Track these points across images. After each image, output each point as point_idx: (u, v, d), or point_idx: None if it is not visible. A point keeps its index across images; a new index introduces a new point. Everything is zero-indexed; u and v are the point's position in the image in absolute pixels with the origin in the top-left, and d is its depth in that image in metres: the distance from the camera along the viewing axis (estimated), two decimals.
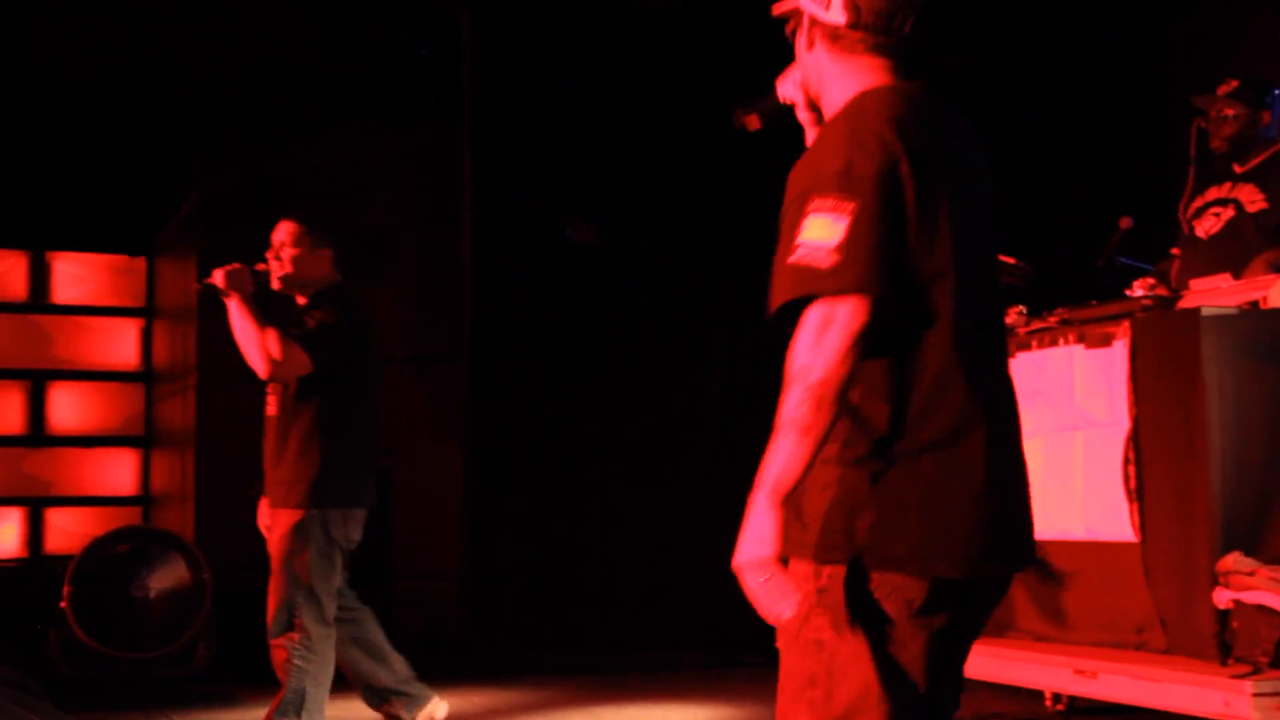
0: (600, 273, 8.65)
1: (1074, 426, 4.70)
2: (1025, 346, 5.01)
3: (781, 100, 2.69)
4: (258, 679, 7.48)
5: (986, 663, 4.79)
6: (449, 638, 8.33)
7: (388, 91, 9.15)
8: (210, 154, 10.31)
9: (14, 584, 8.72)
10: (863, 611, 2.21)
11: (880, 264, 2.13)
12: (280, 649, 4.85)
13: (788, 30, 2.54)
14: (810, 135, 2.62)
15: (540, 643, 8.21)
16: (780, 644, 2.34)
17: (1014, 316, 5.21)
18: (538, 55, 8.62)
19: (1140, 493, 4.42)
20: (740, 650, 7.82)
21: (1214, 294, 4.56)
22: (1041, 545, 4.88)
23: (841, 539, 2.21)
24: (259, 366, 4.76)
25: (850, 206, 2.18)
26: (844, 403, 2.16)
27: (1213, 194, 5.23)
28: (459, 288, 8.55)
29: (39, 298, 11.63)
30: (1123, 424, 4.48)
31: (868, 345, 2.14)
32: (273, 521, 4.94)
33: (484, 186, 8.57)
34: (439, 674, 7.54)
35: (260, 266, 4.89)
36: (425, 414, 8.47)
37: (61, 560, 8.83)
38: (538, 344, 8.52)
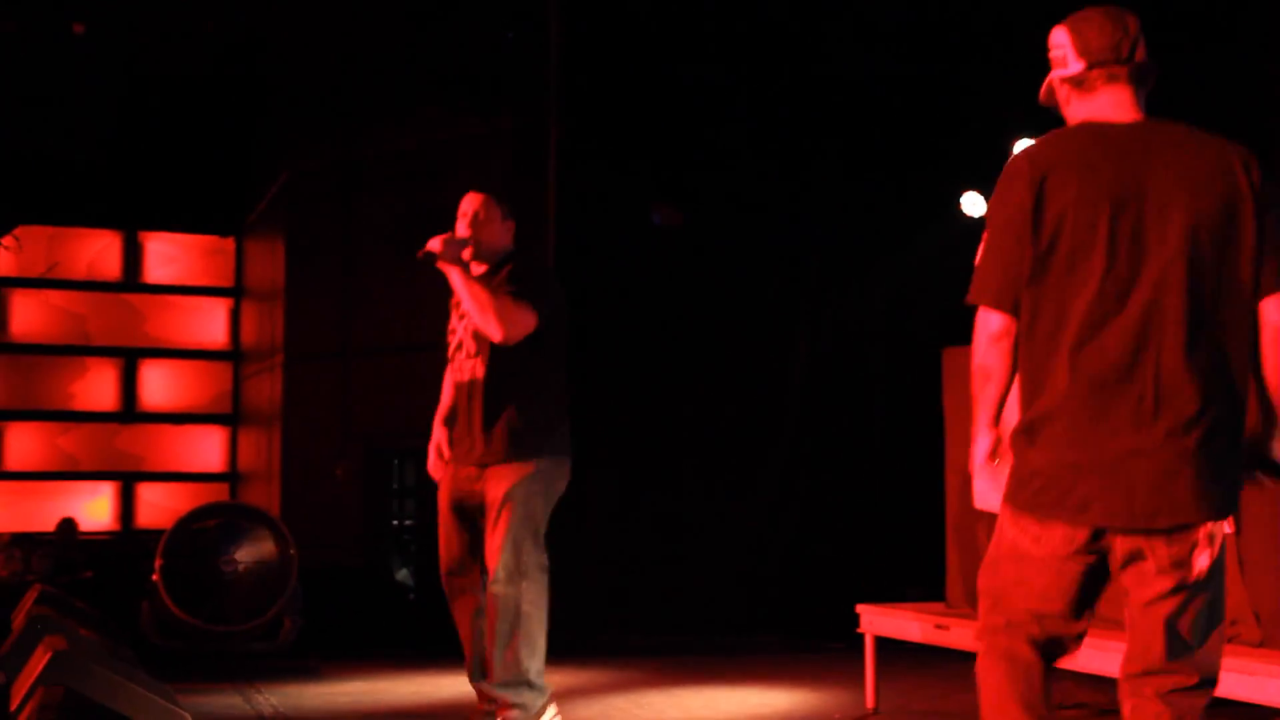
0: (685, 258, 8.64)
1: None
2: None
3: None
4: (341, 653, 7.62)
5: None
6: None
7: (474, 75, 9.21)
8: (298, 136, 10.44)
9: (107, 557, 8.92)
10: None
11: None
12: (504, 595, 4.63)
13: (1043, 99, 3.03)
14: None
15: (619, 624, 8.25)
16: None
17: None
18: (624, 40, 8.63)
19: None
20: (820, 636, 7.80)
21: None
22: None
23: None
24: (494, 330, 4.61)
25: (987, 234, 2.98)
26: None
27: None
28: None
29: (132, 277, 11.87)
30: None
31: None
32: (488, 479, 4.70)
33: (568, 170, 8.60)
34: None
35: (455, 236, 4.76)
36: None
37: (152, 534, 9.02)
38: (620, 328, 8.53)
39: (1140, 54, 2.88)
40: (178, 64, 10.74)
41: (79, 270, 11.75)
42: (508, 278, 4.74)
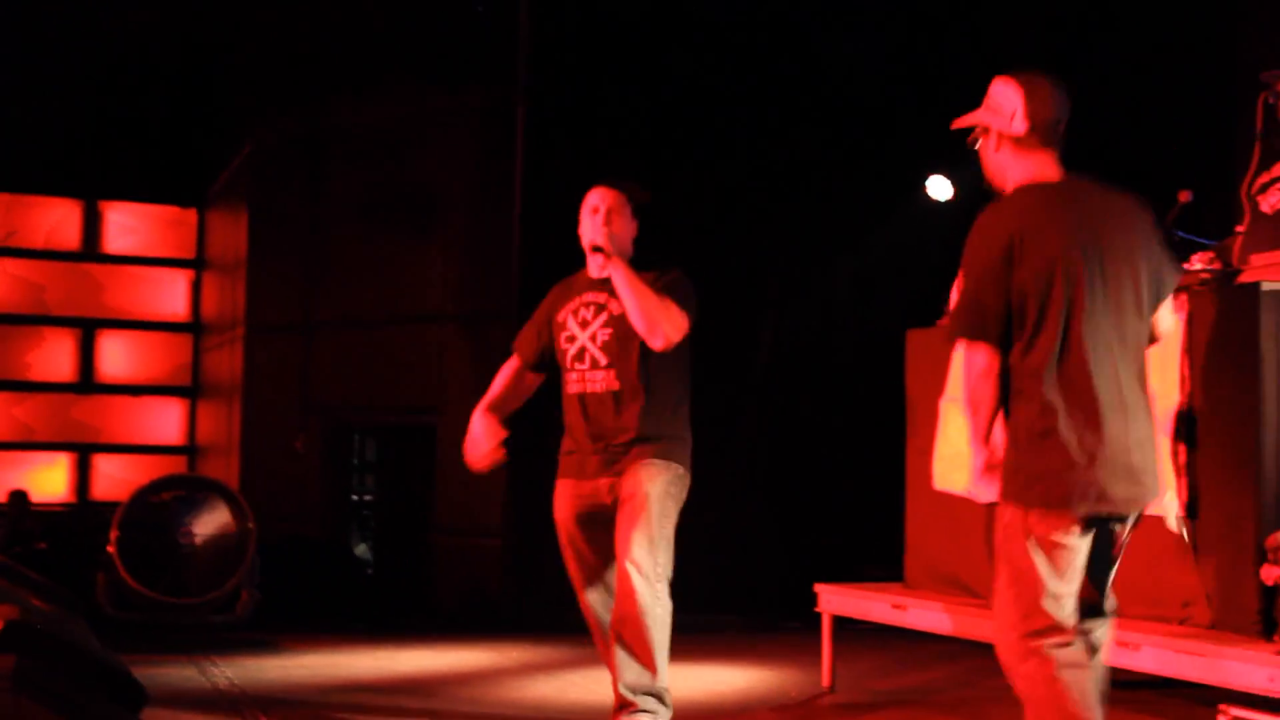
0: (650, 235, 8.62)
1: None
2: None
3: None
4: (299, 627, 7.60)
5: None
6: (489, 594, 8.39)
7: (442, 48, 9.14)
8: (262, 107, 10.34)
9: (62, 528, 8.85)
10: None
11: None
12: (643, 593, 4.32)
13: (969, 140, 3.65)
14: None
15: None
16: None
17: None
18: (595, 16, 8.59)
19: (1190, 468, 4.38)
20: (779, 616, 7.84)
21: (1275, 269, 4.50)
22: None
23: None
24: (660, 333, 4.39)
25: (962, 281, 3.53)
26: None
27: (1279, 169, 5.15)
28: (508, 246, 8.56)
29: (91, 247, 11.75)
30: (1174, 398, 4.44)
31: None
32: (625, 477, 4.47)
33: (536, 144, 8.56)
34: (478, 629, 7.63)
35: (600, 243, 4.55)
36: (472, 371, 8.49)
37: (108, 506, 8.94)
38: None
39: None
40: (141, 31, 10.62)
41: (37, 239, 11.61)
42: (657, 281, 4.50)
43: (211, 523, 7.76)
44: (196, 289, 12.01)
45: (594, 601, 4.66)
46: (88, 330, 11.67)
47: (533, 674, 6.21)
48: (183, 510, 7.75)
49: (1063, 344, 3.36)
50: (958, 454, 5.53)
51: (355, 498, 10.01)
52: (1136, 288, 3.43)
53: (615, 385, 4.53)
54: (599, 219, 4.61)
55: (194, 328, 11.98)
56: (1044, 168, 3.51)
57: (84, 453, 11.58)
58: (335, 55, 9.75)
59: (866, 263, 8.79)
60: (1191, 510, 4.40)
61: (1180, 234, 5.10)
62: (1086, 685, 3.36)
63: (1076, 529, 3.37)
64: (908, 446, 5.89)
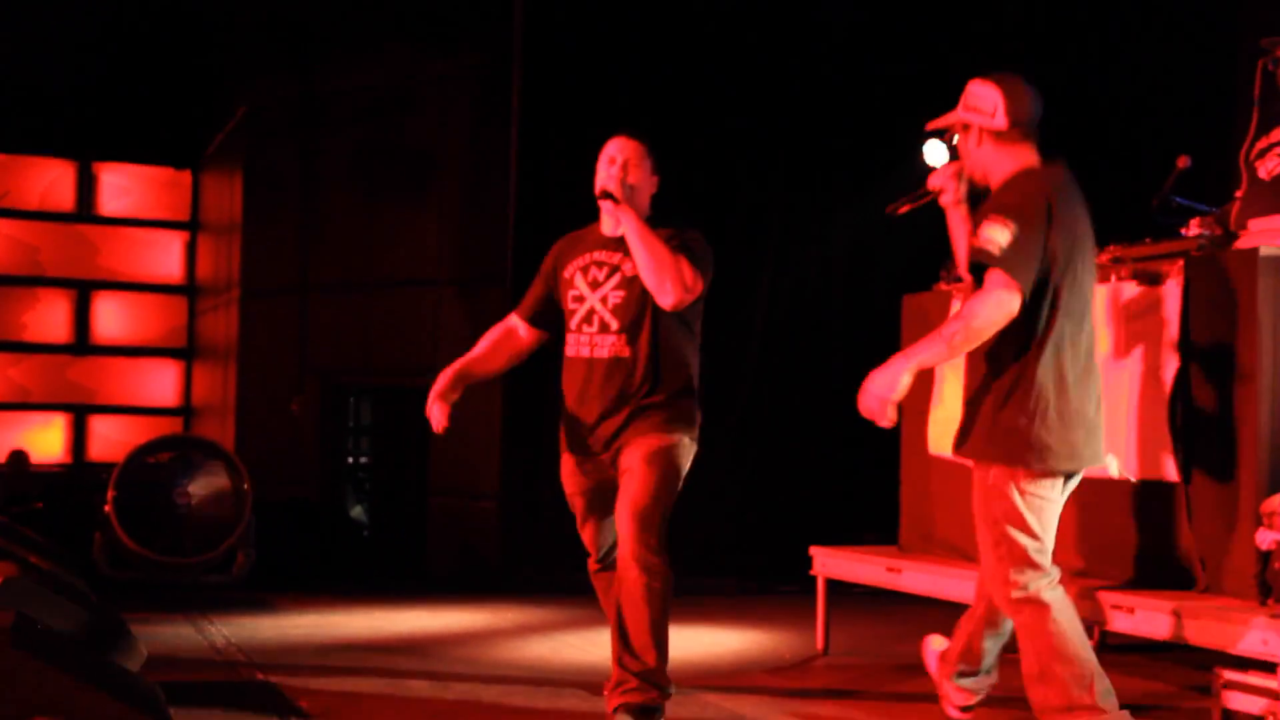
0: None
1: (1122, 365, 4.66)
2: None
3: (931, 189, 4.23)
4: (294, 587, 7.62)
5: None
6: (484, 556, 8.42)
7: (438, 10, 9.10)
8: (257, 69, 10.29)
9: (59, 488, 8.86)
10: None
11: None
12: (650, 565, 4.10)
13: (946, 139, 4.16)
14: (952, 214, 4.23)
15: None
16: None
17: None
18: None
19: (1187, 433, 4.40)
20: (774, 578, 7.87)
21: (1273, 234, 4.50)
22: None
23: None
24: (671, 291, 4.13)
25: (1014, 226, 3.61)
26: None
27: (1277, 135, 5.14)
28: (503, 210, 8.53)
29: (85, 208, 11.71)
30: (1171, 364, 4.45)
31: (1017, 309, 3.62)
32: (629, 446, 4.22)
33: (532, 108, 8.53)
34: (474, 590, 7.66)
35: (611, 190, 4.26)
36: (466, 336, 8.46)
37: (105, 467, 8.96)
38: None
39: None
40: None
41: (31, 200, 11.57)
42: (673, 239, 4.25)
43: (208, 484, 7.77)
44: (191, 251, 11.98)
45: (603, 578, 4.61)
46: (83, 291, 11.65)
47: (527, 635, 6.23)
48: (179, 471, 7.77)
49: (1052, 312, 3.70)
50: (952, 418, 5.54)
51: (351, 460, 10.02)
52: (1090, 266, 3.87)
53: (625, 352, 4.26)
54: (615, 169, 4.33)
55: (189, 290, 11.96)
56: (1029, 158, 3.83)
57: (80, 413, 11.58)
58: (331, 18, 9.69)
59: (862, 228, 8.77)
60: (1187, 475, 4.42)
61: (1178, 200, 5.10)
62: (1079, 624, 3.77)
63: (1059, 485, 3.80)
64: (903, 410, 5.89)
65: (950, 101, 4.06)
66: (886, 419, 3.70)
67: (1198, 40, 7.44)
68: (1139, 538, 4.63)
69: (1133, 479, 4.55)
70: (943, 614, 5.96)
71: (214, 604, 6.96)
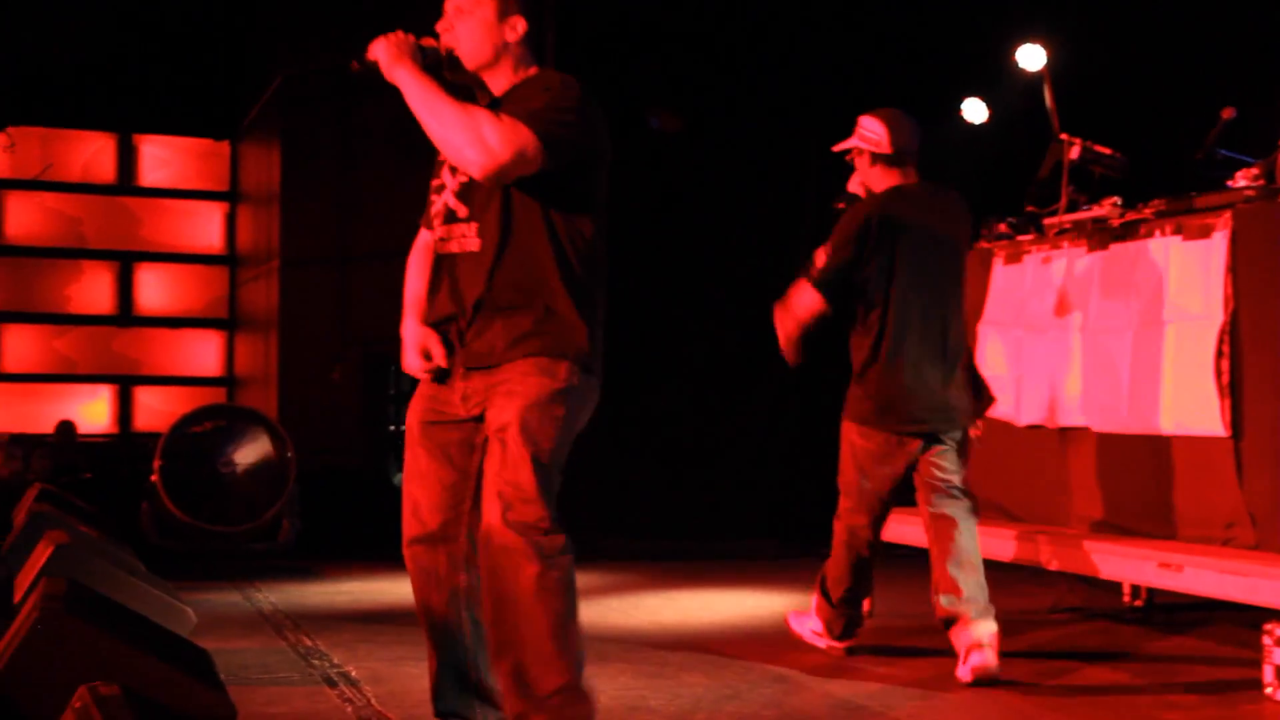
0: (683, 165, 8.58)
1: (1166, 320, 4.62)
2: (1119, 238, 4.92)
3: (851, 191, 4.84)
4: (339, 554, 7.68)
5: (1067, 554, 4.77)
6: None
7: None
8: (293, 39, 10.30)
9: (106, 458, 8.95)
10: None
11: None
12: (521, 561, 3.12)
13: (847, 158, 4.76)
14: None
15: (618, 529, 8.30)
16: None
17: (1108, 208, 5.12)
18: None
19: (1234, 387, 4.35)
20: (812, 542, 7.86)
21: None
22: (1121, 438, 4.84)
23: None
24: (467, 152, 3.06)
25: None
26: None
27: None
28: None
29: (126, 180, 11.78)
30: (1217, 317, 4.39)
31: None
32: (487, 396, 3.20)
33: (565, 73, 8.49)
34: None
35: (428, 42, 3.26)
36: None
37: (150, 437, 9.04)
38: (617, 236, 8.48)
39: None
40: None
41: (73, 173, 11.66)
42: (504, 96, 3.28)
43: (252, 452, 7.83)
44: (231, 221, 12.05)
45: (420, 560, 3.31)
46: (125, 263, 11.74)
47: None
48: (224, 440, 7.83)
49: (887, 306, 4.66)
50: (997, 377, 5.51)
51: (392, 428, 10.07)
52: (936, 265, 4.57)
53: (474, 245, 3.22)
54: (445, 25, 3.30)
55: (229, 260, 12.03)
56: (905, 177, 4.64)
57: (125, 384, 11.69)
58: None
59: None
60: (1237, 430, 4.37)
61: (1223, 152, 5.03)
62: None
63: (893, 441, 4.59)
64: None
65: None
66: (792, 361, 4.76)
67: None
68: (1186, 495, 4.59)
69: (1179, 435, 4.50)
70: (986, 574, 5.93)
71: (260, 571, 7.03)
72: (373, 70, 3.20)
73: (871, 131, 4.64)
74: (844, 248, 4.54)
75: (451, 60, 3.27)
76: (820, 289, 4.57)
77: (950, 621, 4.38)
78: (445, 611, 3.24)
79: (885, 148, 4.61)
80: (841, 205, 4.87)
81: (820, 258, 4.60)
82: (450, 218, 3.28)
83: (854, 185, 4.80)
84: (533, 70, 3.31)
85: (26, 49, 10.42)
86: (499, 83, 3.30)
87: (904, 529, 5.61)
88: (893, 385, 4.49)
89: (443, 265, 3.30)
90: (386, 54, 3.16)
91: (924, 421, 4.49)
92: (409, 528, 3.30)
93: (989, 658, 4.23)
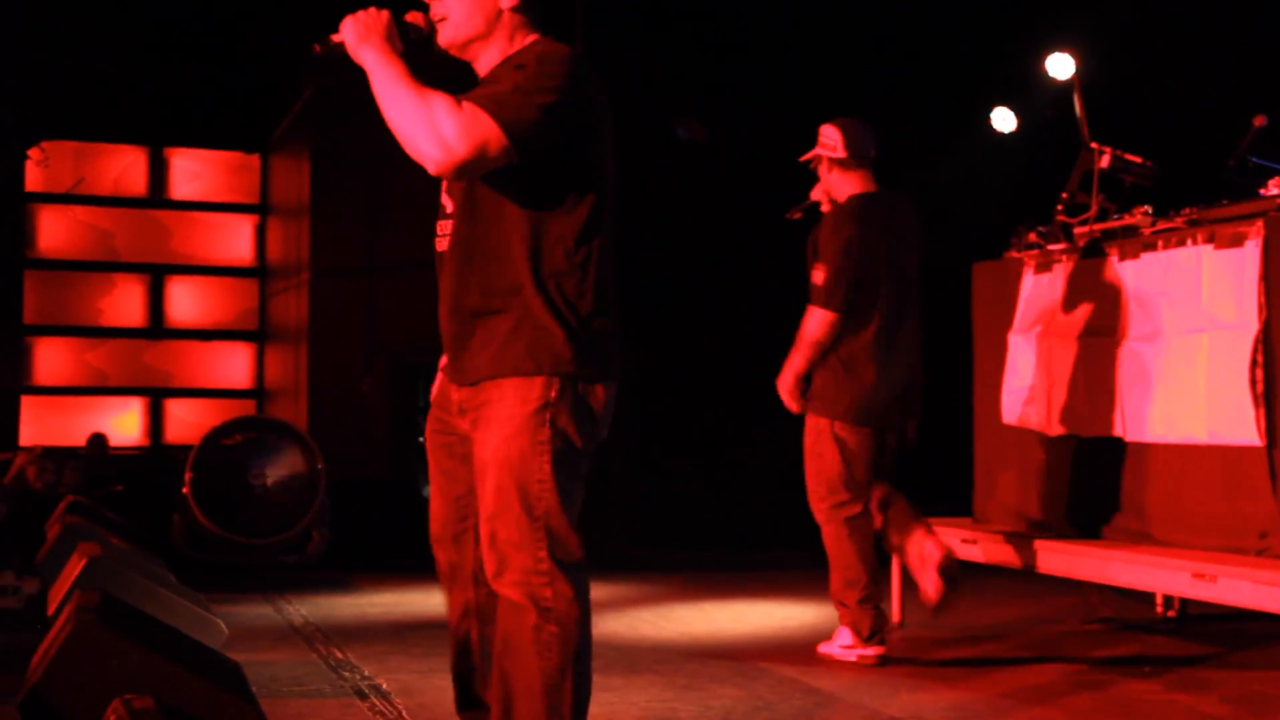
0: (710, 174, 8.58)
1: (1200, 329, 4.58)
2: (1150, 247, 4.89)
3: (814, 199, 5.13)
4: (370, 566, 7.70)
5: (1099, 564, 4.75)
6: None
7: None
8: (334, 64, 10.35)
9: (137, 471, 9.00)
10: None
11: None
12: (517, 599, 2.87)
13: (812, 166, 5.03)
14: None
15: (649, 540, 8.30)
16: None
17: (1139, 216, 5.08)
18: None
19: (1268, 396, 4.31)
20: None
21: None
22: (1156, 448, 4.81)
23: None
24: (421, 144, 2.69)
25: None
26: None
27: None
28: None
29: (158, 193, 11.86)
30: (1252, 326, 4.36)
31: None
32: (473, 415, 2.89)
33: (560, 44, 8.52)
34: None
35: (414, 17, 2.95)
36: None
37: (181, 449, 9.08)
38: (645, 246, 8.49)
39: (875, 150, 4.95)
40: None
41: (105, 186, 11.75)
42: (486, 76, 2.91)
43: (283, 464, 7.87)
44: (261, 234, 12.11)
45: (441, 565, 3.11)
46: (156, 276, 11.82)
47: (601, 611, 6.22)
48: (254, 452, 7.87)
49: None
50: (1025, 387, 5.48)
51: (421, 438, 10.08)
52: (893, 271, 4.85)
53: (452, 243, 2.92)
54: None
55: (260, 272, 12.09)
56: (865, 183, 4.94)
57: (156, 397, 11.76)
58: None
59: (932, 196, 8.68)
60: (1270, 439, 4.34)
61: (1255, 159, 5.00)
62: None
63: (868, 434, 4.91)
64: (975, 380, 5.85)
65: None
66: (795, 408, 4.99)
67: None
68: (1219, 504, 4.56)
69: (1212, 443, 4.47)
70: (1017, 583, 5.89)
71: (291, 583, 7.05)
72: (337, 52, 2.87)
73: (829, 138, 4.94)
74: (842, 261, 4.77)
75: (444, 35, 2.92)
76: (834, 308, 4.80)
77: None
78: (458, 622, 3.07)
79: (841, 152, 4.91)
80: (798, 215, 5.17)
81: (820, 277, 4.81)
82: (442, 213, 2.98)
83: (817, 194, 5.06)
84: (530, 39, 2.90)
85: (58, 63, 10.51)
86: (491, 56, 2.91)
87: (950, 543, 5.58)
88: (878, 383, 4.81)
89: (439, 263, 2.98)
90: (354, 32, 2.82)
91: (898, 416, 4.91)
92: (430, 533, 3.11)
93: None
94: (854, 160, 4.93)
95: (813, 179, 5.09)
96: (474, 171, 2.75)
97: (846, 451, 4.84)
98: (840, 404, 4.82)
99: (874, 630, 4.79)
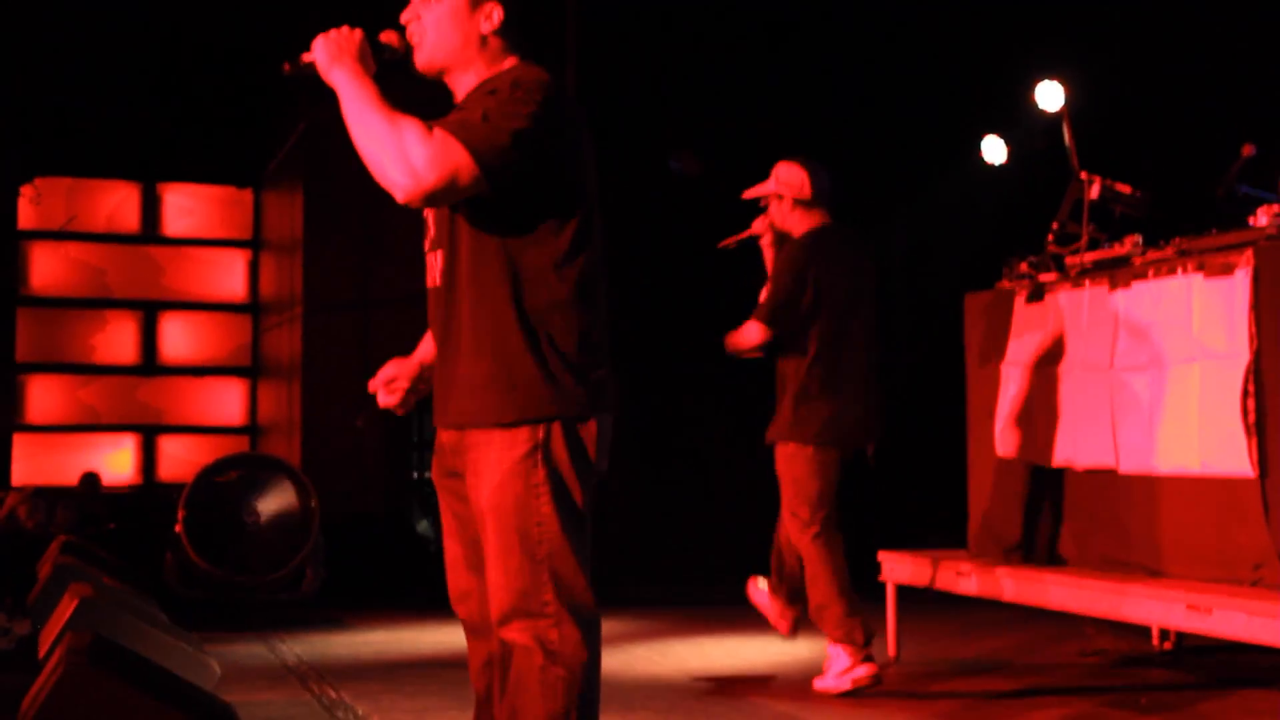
0: (704, 206, 8.59)
1: (1191, 358, 4.59)
2: (1141, 276, 4.90)
3: (754, 232, 5.30)
4: (364, 604, 7.66)
5: (1094, 597, 4.73)
6: None
7: None
8: (315, 86, 10.38)
9: (130, 509, 8.97)
10: None
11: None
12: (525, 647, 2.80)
13: (761, 203, 5.25)
14: (767, 251, 5.34)
15: (643, 576, 8.27)
16: None
17: (1129, 246, 5.10)
18: None
19: (1260, 426, 4.31)
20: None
21: None
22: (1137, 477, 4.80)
23: None
24: (392, 178, 2.63)
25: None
26: None
27: None
28: None
29: (150, 229, 11.86)
30: (1243, 356, 4.36)
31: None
32: (467, 463, 2.79)
33: (586, 115, 8.55)
34: None
35: (389, 37, 2.86)
36: None
37: (174, 487, 9.06)
38: (639, 278, 8.50)
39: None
40: (194, 13, 10.68)
41: (98, 223, 11.74)
42: (461, 101, 2.82)
43: (276, 501, 7.84)
44: (254, 269, 12.10)
45: (463, 621, 2.98)
46: (149, 312, 11.80)
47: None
48: (247, 489, 7.84)
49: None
50: (1019, 418, 5.48)
51: (416, 475, 10.06)
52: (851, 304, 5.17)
53: (436, 278, 2.86)
54: (407, 17, 2.87)
55: (253, 308, 12.08)
56: (822, 218, 5.16)
57: (149, 434, 11.72)
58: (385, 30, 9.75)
59: (922, 226, 8.72)
60: (1263, 469, 4.33)
61: (1244, 188, 5.02)
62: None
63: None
64: (968, 411, 5.85)
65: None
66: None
67: (1264, 29, 7.32)
68: (1213, 535, 4.55)
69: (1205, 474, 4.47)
70: (1012, 616, 5.88)
71: (285, 621, 7.01)
72: (307, 72, 2.80)
73: (793, 177, 5.18)
74: (786, 285, 5.05)
75: (420, 56, 2.84)
76: (769, 324, 5.06)
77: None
78: (479, 673, 2.97)
79: (806, 193, 5.15)
80: (732, 243, 5.34)
81: (765, 296, 5.12)
82: (432, 245, 2.88)
83: (760, 225, 5.26)
84: (509, 62, 2.82)
85: (51, 100, 10.52)
86: (468, 80, 2.82)
87: (925, 572, 5.57)
88: (839, 408, 5.07)
89: (429, 299, 2.90)
90: (325, 52, 2.74)
91: (857, 438, 5.15)
92: (449, 588, 2.95)
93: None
94: (816, 200, 5.17)
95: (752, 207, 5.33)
96: (443, 200, 2.68)
97: (823, 472, 5.07)
98: (810, 428, 5.06)
99: (868, 636, 4.93)
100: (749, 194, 5.27)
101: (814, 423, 5.06)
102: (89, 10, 10.21)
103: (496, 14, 2.81)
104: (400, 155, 2.60)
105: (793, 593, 5.27)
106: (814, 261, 5.07)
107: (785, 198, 5.18)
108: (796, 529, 5.12)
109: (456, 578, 2.90)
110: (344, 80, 2.72)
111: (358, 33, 2.78)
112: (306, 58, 2.79)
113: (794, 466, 5.10)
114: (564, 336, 2.71)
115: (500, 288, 2.70)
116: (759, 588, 5.42)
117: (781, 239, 5.24)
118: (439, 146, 2.59)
